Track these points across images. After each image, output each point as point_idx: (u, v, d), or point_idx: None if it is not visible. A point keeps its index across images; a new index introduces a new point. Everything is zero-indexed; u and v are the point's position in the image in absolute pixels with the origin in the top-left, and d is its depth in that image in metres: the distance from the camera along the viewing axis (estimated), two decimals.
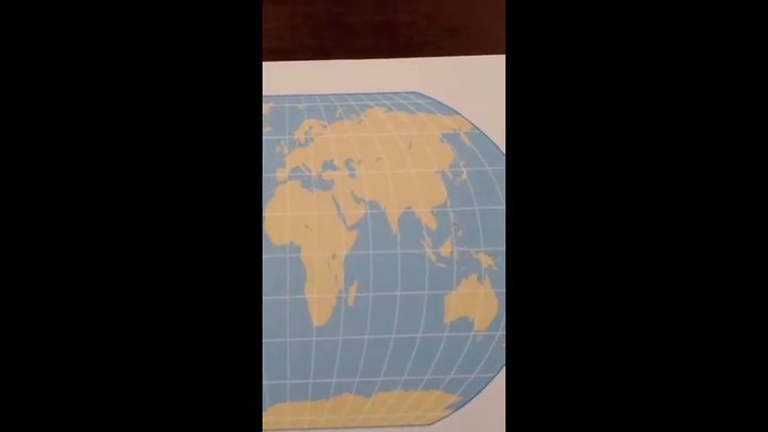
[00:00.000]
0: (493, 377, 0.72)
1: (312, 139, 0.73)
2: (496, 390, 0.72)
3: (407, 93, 0.75)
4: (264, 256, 0.70)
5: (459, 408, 0.72)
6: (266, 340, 0.70)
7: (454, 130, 0.74)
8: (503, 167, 0.74)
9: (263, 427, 0.72)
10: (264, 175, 0.72)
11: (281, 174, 0.72)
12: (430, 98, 0.75)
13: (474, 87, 0.75)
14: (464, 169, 0.73)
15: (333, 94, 0.75)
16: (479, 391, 0.72)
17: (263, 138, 0.73)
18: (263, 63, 0.75)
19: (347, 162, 0.73)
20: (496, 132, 0.74)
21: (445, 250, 0.72)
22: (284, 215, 0.71)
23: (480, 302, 0.72)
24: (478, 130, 0.75)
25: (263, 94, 0.75)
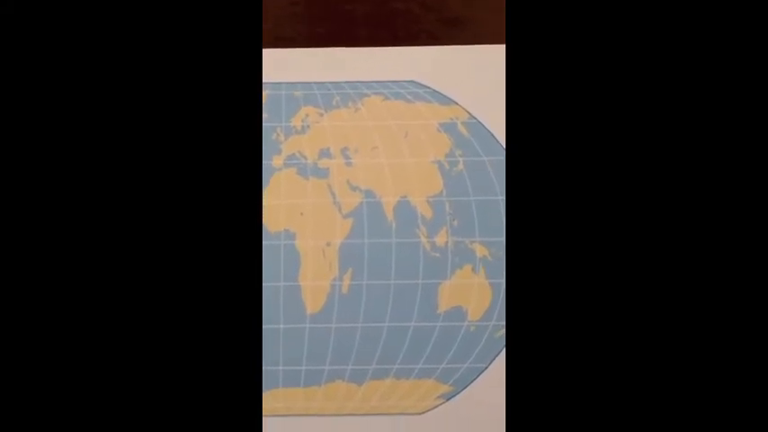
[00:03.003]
0: (486, 367, 0.72)
1: (308, 126, 0.73)
2: (489, 380, 0.72)
3: (405, 82, 0.75)
4: None
5: (452, 397, 0.72)
6: None
7: (451, 119, 0.74)
8: (499, 158, 0.74)
9: None
10: None
11: (277, 161, 0.72)
12: (427, 87, 0.75)
13: (472, 77, 0.75)
14: (460, 159, 0.73)
15: (330, 82, 0.75)
16: (472, 381, 0.72)
17: None
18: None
19: (343, 150, 0.73)
20: (494, 122, 0.74)
21: (440, 240, 0.72)
22: (279, 202, 0.71)
23: (474, 293, 0.72)
24: (476, 119, 0.75)
25: None
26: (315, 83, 0.75)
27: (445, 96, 0.75)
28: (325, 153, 0.73)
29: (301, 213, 0.71)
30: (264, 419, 0.72)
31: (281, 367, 0.71)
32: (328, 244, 0.71)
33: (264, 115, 0.73)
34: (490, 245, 0.72)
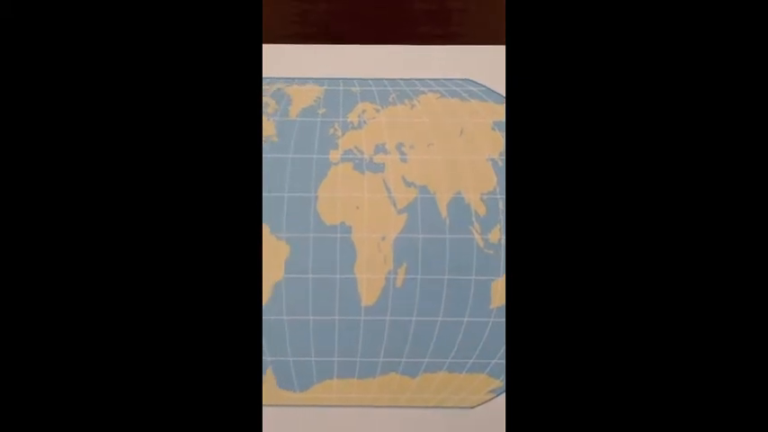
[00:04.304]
0: None
1: (365, 122, 0.74)
2: None
3: (460, 80, 0.76)
4: (316, 234, 0.71)
5: (504, 392, 0.73)
6: (315, 318, 0.71)
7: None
8: None
9: (313, 403, 0.73)
10: (318, 156, 0.73)
11: (334, 155, 0.73)
12: (482, 86, 0.76)
13: None
14: None
15: (387, 79, 0.76)
16: None
17: (318, 120, 0.74)
18: (319, 46, 0.76)
19: (399, 146, 0.73)
20: None
21: (493, 237, 0.72)
22: (336, 196, 0.72)
23: None
24: None
25: (318, 76, 0.76)
26: (372, 79, 0.76)
27: (500, 95, 0.76)
28: (380, 148, 0.73)
29: (357, 207, 0.72)
30: (320, 410, 0.73)
31: (335, 358, 0.71)
32: (383, 238, 0.72)
33: (322, 110, 0.74)
34: None
